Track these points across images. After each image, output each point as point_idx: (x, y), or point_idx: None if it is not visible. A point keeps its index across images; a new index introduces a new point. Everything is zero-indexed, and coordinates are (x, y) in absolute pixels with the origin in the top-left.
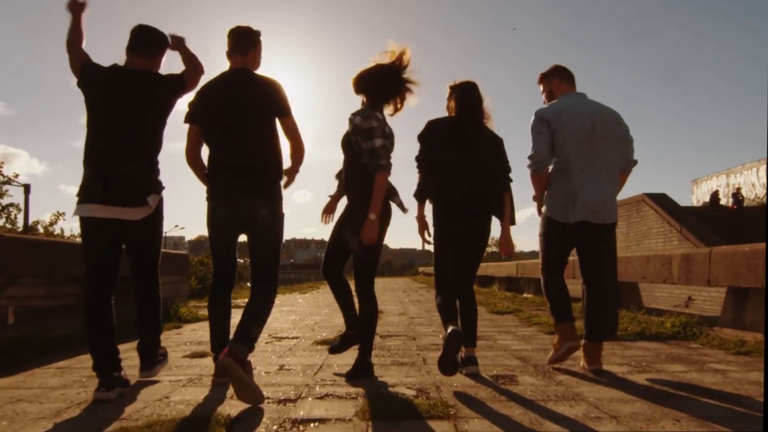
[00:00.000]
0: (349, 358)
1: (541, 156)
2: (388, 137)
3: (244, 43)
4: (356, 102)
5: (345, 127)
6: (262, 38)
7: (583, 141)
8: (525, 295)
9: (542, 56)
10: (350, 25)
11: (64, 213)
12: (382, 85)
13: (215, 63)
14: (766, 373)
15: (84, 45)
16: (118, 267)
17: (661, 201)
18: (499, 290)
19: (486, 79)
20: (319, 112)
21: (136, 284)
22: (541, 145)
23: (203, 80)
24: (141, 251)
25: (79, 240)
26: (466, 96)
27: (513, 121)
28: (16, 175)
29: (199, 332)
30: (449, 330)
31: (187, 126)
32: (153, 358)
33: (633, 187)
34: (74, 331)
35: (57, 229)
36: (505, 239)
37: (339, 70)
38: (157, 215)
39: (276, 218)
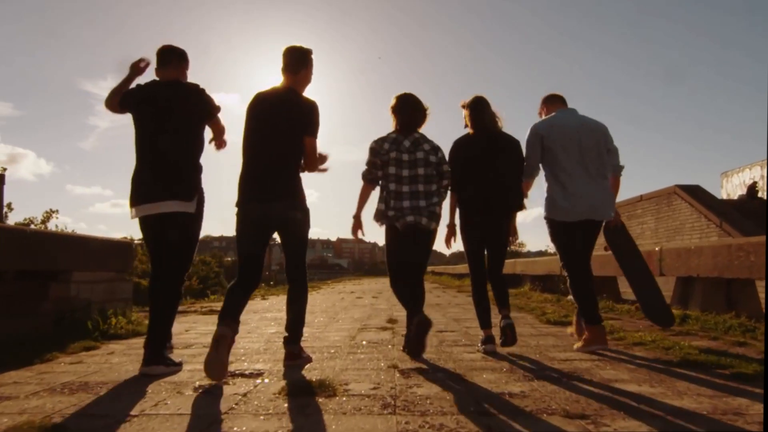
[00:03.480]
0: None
1: (532, 167)
2: None
3: (296, 63)
4: (357, 103)
5: (348, 126)
6: (312, 55)
7: (574, 150)
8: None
9: (547, 56)
10: (356, 24)
11: (57, 210)
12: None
13: (216, 63)
14: (766, 372)
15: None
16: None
17: (696, 193)
18: (533, 291)
19: (489, 78)
20: (323, 112)
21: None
22: (533, 157)
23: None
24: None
25: None
26: (476, 111)
27: (517, 118)
28: (4, 169)
29: (116, 358)
30: (485, 337)
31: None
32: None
33: (658, 181)
34: None
35: (50, 227)
36: (512, 229)
37: (344, 70)
38: (184, 216)
39: (306, 217)
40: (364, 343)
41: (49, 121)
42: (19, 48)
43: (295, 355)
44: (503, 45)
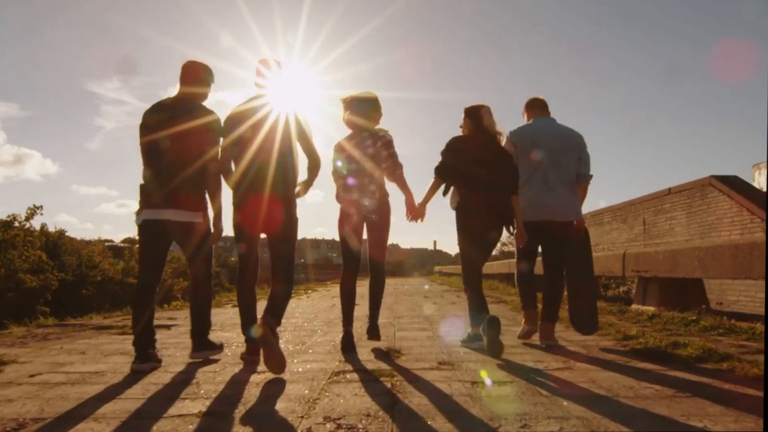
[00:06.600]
0: None
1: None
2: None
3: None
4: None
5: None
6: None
7: (545, 157)
8: (637, 306)
9: (549, 55)
10: (358, 22)
11: (41, 206)
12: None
13: (220, 63)
14: (766, 371)
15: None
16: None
17: (735, 184)
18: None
19: (492, 78)
20: (327, 112)
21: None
22: None
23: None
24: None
25: None
26: (474, 119)
27: (519, 121)
28: None
29: None
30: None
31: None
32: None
33: (684, 174)
34: None
35: (35, 224)
36: (519, 233)
37: (347, 69)
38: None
39: (292, 221)
40: (327, 428)
41: (55, 122)
42: (24, 49)
43: (270, 329)
44: (505, 44)
